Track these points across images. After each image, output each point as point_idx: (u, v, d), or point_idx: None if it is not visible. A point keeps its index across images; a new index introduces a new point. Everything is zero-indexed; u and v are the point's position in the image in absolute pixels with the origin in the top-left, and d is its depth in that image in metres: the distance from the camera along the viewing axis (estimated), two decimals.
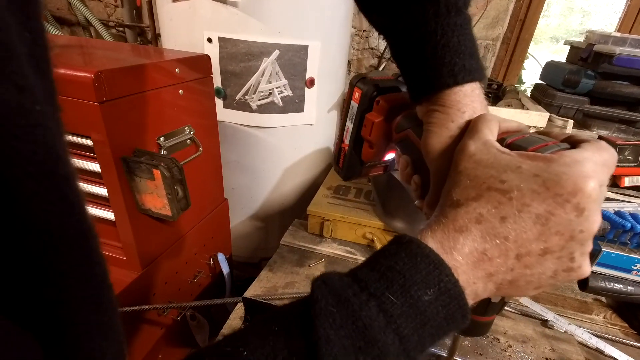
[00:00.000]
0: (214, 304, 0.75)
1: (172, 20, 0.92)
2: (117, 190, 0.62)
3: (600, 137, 0.95)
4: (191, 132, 0.76)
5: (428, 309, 0.21)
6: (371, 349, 0.20)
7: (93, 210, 0.68)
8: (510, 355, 0.58)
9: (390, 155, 0.42)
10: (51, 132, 0.15)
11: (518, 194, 0.23)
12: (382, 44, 1.36)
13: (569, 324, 0.63)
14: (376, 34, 1.35)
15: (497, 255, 0.23)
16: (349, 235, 0.84)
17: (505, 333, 0.63)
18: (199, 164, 0.81)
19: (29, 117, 0.14)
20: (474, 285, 0.23)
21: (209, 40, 0.86)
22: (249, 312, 0.67)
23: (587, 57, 1.01)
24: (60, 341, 0.17)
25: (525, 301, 0.68)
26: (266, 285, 0.70)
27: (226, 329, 0.64)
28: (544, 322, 0.65)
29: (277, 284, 0.70)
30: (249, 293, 0.67)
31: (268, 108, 0.94)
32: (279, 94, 0.92)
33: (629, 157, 0.87)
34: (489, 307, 0.29)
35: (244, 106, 0.93)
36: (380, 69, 1.39)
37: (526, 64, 1.46)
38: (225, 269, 0.98)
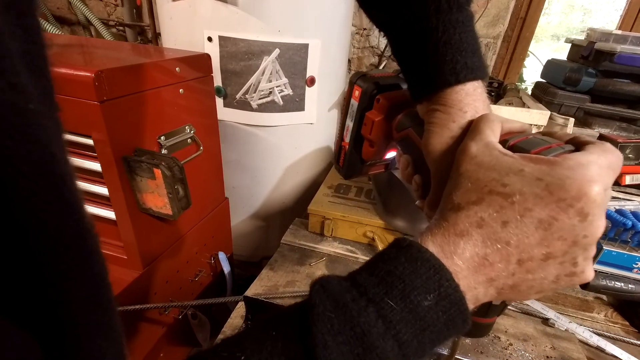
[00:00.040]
0: (215, 303, 0.75)
1: (172, 19, 0.92)
2: (118, 189, 0.62)
3: (601, 135, 0.95)
4: (192, 131, 0.76)
5: (428, 314, 0.21)
6: (370, 355, 0.20)
7: (94, 210, 0.68)
8: (511, 354, 0.58)
9: (391, 154, 0.41)
10: (46, 132, 0.15)
11: (520, 198, 0.22)
12: (383, 42, 1.36)
13: (570, 322, 0.63)
14: (377, 32, 1.35)
15: (499, 260, 0.22)
16: (349, 234, 0.84)
17: (506, 331, 0.63)
18: (200, 163, 0.81)
19: (23, 116, 0.14)
20: (474, 290, 0.23)
21: (209, 39, 0.86)
22: (250, 310, 0.67)
23: (588, 55, 1.00)
24: (60, 341, 0.16)
25: None
26: (267, 284, 0.70)
27: (227, 328, 0.64)
28: (545, 321, 0.65)
29: (278, 283, 0.70)
30: (250, 292, 0.67)
31: (268, 107, 0.94)
32: (279, 92, 0.92)
33: (630, 156, 0.87)
34: (490, 310, 0.29)
35: (245, 105, 0.93)
36: (381, 67, 1.39)
37: (527, 62, 1.46)
38: (226, 267, 0.98)
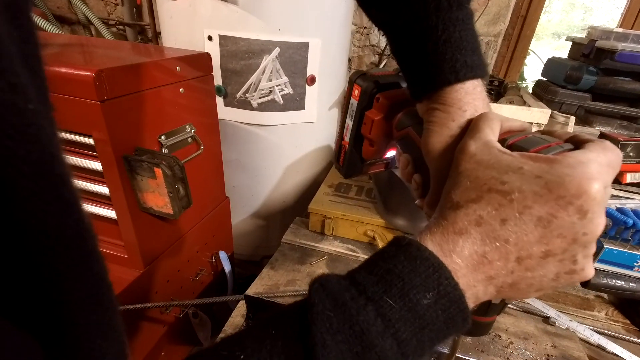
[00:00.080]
0: (216, 302, 0.75)
1: (172, 18, 0.92)
2: (118, 188, 0.62)
3: (602, 134, 0.95)
4: (192, 131, 0.76)
5: (427, 312, 0.21)
6: (369, 354, 0.20)
7: (95, 209, 0.68)
8: (512, 352, 0.58)
9: (391, 153, 0.41)
10: (45, 131, 0.15)
11: (519, 196, 0.22)
12: (383, 40, 1.36)
13: (571, 320, 0.63)
14: (377, 30, 1.35)
15: (497, 258, 0.22)
16: (350, 233, 0.84)
17: (506, 330, 0.63)
18: (200, 162, 0.81)
19: (23, 117, 0.14)
20: (474, 288, 0.23)
21: (210, 38, 0.86)
22: (251, 309, 0.67)
23: (589, 53, 1.00)
24: (60, 341, 0.16)
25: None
26: (268, 283, 0.70)
27: (228, 327, 0.64)
28: (546, 319, 0.65)
29: (279, 282, 0.71)
30: (250, 291, 0.67)
31: (269, 106, 0.94)
32: (279, 91, 0.92)
33: (631, 154, 0.87)
34: (490, 308, 0.29)
35: (245, 104, 0.93)
36: (381, 66, 1.38)
37: (528, 60, 1.46)
38: (227, 266, 0.98)
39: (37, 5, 1.49)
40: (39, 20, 1.33)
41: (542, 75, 1.18)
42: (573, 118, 0.95)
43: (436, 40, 0.27)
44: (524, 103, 1.04)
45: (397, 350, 0.20)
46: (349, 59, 1.40)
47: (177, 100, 0.71)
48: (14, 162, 0.13)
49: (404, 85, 0.37)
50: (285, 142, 1.03)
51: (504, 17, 1.27)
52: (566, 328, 0.64)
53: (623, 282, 0.66)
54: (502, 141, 0.26)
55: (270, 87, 0.91)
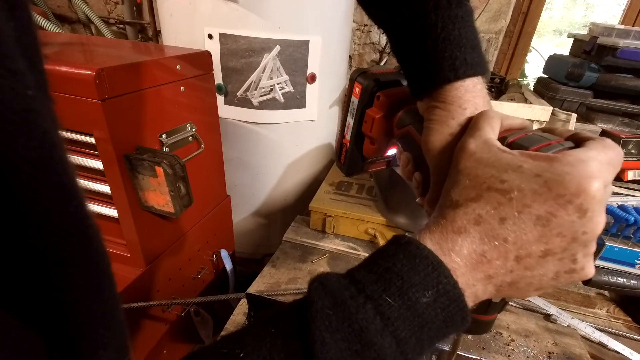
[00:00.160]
0: (218, 300, 0.75)
1: (172, 16, 0.92)
2: (120, 187, 0.62)
3: (603, 131, 0.94)
4: (193, 129, 0.76)
5: (426, 311, 0.21)
6: (368, 352, 0.20)
7: (96, 208, 0.68)
8: (513, 350, 0.59)
9: (392, 151, 0.41)
10: (45, 118, 0.15)
11: (518, 195, 0.22)
12: (384, 38, 1.35)
13: (572, 318, 0.63)
14: (378, 28, 1.34)
15: (496, 257, 0.22)
16: (351, 231, 0.84)
17: (508, 327, 0.63)
18: (201, 161, 0.81)
19: (22, 102, 0.14)
20: (473, 287, 0.23)
21: (210, 36, 0.86)
22: (252, 307, 0.67)
23: (591, 50, 1.00)
24: (62, 331, 0.16)
25: None
26: (269, 281, 0.70)
27: (230, 325, 0.65)
28: (547, 317, 0.65)
29: (280, 280, 0.71)
30: (252, 289, 0.68)
31: (269, 104, 0.94)
32: (280, 90, 0.92)
33: (632, 151, 0.86)
34: (491, 307, 0.29)
35: (245, 102, 0.93)
36: (382, 63, 1.38)
37: (529, 57, 1.45)
38: (228, 265, 0.98)
39: (37, 4, 1.49)
40: (39, 19, 1.33)
41: (544, 72, 1.18)
42: (574, 115, 0.95)
43: (435, 38, 0.27)
44: (525, 100, 1.04)
45: (396, 348, 0.20)
46: (350, 57, 1.40)
47: (178, 99, 0.71)
48: (15, 147, 0.13)
49: (405, 83, 0.37)
50: (286, 141, 1.02)
51: (505, 14, 1.26)
52: (567, 325, 0.64)
53: (624, 280, 0.66)
54: (502, 139, 0.26)
55: (270, 86, 0.91)
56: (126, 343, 0.21)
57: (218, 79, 0.89)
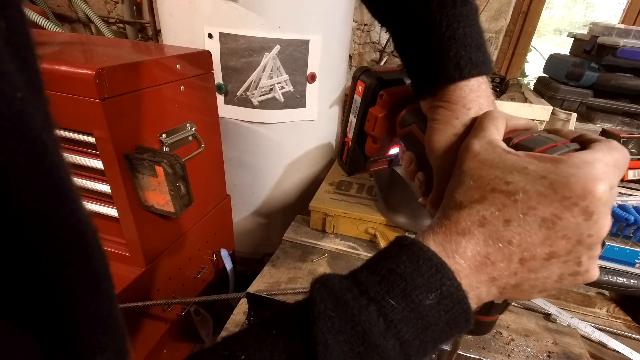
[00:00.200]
0: (218, 300, 0.75)
1: (172, 16, 0.91)
2: (120, 187, 0.62)
3: (603, 131, 0.94)
4: (193, 129, 0.76)
5: (430, 313, 0.21)
6: (371, 354, 0.19)
7: (96, 207, 0.68)
8: (513, 349, 0.59)
9: (394, 150, 0.41)
10: (36, 120, 0.15)
11: (523, 196, 0.22)
12: (384, 38, 1.35)
13: (572, 317, 0.64)
14: (378, 27, 1.34)
15: (500, 260, 0.22)
16: (351, 231, 0.84)
17: (508, 327, 0.63)
18: (201, 161, 0.81)
19: (12, 105, 0.13)
20: (477, 289, 0.22)
21: (210, 35, 0.86)
22: (252, 307, 0.67)
23: (591, 49, 1.00)
24: (59, 334, 0.16)
25: None
26: (269, 281, 0.70)
27: (230, 324, 0.64)
28: (547, 316, 0.65)
29: (280, 280, 0.71)
30: (252, 288, 0.68)
31: (269, 104, 0.94)
32: (280, 89, 0.92)
33: (632, 151, 0.86)
34: (492, 308, 0.28)
35: (245, 102, 0.93)
36: (382, 63, 1.38)
37: (529, 56, 1.45)
38: (228, 264, 0.98)
39: (37, 3, 1.48)
40: (39, 19, 1.33)
41: (544, 71, 1.18)
42: (574, 115, 0.95)
43: (440, 37, 0.27)
44: (526, 100, 1.04)
45: (399, 350, 0.20)
46: (350, 57, 1.40)
47: (178, 99, 0.71)
48: (6, 151, 0.13)
49: (408, 81, 0.37)
50: (286, 140, 1.02)
51: (506, 13, 1.26)
52: (567, 325, 0.64)
53: (624, 279, 0.66)
54: (507, 140, 0.26)
55: (270, 85, 0.91)
56: (125, 345, 0.20)
57: (218, 78, 0.89)
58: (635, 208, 0.64)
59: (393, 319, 0.20)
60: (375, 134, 0.37)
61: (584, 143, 0.24)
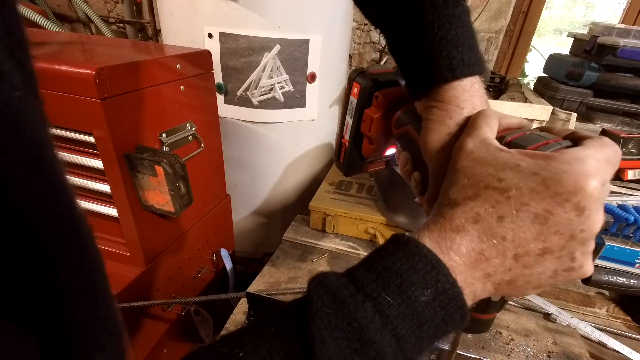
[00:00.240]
0: (218, 299, 0.75)
1: (172, 15, 0.92)
2: (120, 186, 0.62)
3: (603, 130, 0.94)
4: (193, 129, 0.76)
5: (425, 309, 0.21)
6: (367, 350, 0.20)
7: (96, 207, 0.68)
8: (513, 349, 0.59)
9: (391, 151, 0.41)
10: (33, 120, 0.15)
11: (516, 193, 0.22)
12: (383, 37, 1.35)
13: (572, 317, 0.64)
14: (375, 28, 1.34)
15: (495, 256, 0.22)
16: (351, 231, 0.84)
17: (507, 327, 0.63)
18: (201, 160, 0.81)
19: (11, 104, 0.14)
20: (472, 285, 0.23)
21: (210, 35, 0.86)
22: (252, 307, 0.67)
23: (591, 49, 1.00)
24: (57, 334, 0.16)
25: None
26: (269, 281, 0.70)
27: (230, 324, 0.65)
28: (547, 316, 0.65)
29: (280, 279, 0.71)
30: (252, 288, 0.68)
31: (269, 103, 0.94)
32: (280, 89, 0.92)
33: (632, 150, 0.86)
34: (489, 305, 0.29)
35: (245, 102, 0.93)
36: (382, 63, 1.38)
37: (529, 56, 1.45)
38: (228, 264, 0.98)
39: (37, 3, 1.48)
40: (39, 19, 1.33)
41: (544, 71, 1.18)
42: (574, 115, 0.95)
43: (432, 38, 0.27)
44: (526, 100, 1.04)
45: (395, 346, 0.20)
46: (350, 56, 1.40)
47: (178, 98, 0.71)
48: (5, 150, 0.13)
49: (403, 82, 0.37)
50: (286, 140, 1.02)
51: (506, 13, 1.26)
52: (567, 325, 0.64)
53: (624, 279, 0.66)
54: (500, 138, 0.26)
55: (270, 85, 0.91)
56: (122, 345, 0.21)
57: (218, 78, 0.89)
58: (635, 208, 0.64)
59: (389, 315, 0.20)
60: (372, 135, 0.37)
61: (576, 140, 0.24)
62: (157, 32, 1.50)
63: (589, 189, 0.21)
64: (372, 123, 0.37)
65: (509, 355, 0.57)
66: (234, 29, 0.84)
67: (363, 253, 0.80)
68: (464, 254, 0.22)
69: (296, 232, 0.85)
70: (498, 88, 1.16)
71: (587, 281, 0.67)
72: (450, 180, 0.25)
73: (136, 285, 0.70)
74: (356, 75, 0.38)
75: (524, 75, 1.53)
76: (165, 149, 0.69)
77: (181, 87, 0.71)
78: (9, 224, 0.14)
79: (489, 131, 0.26)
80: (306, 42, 0.89)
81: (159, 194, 0.64)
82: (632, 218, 0.61)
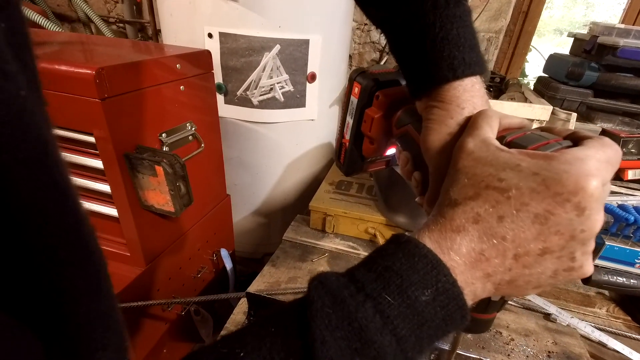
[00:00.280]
0: (218, 299, 0.75)
1: (172, 15, 0.92)
2: (120, 186, 0.62)
3: (603, 130, 0.94)
4: (193, 128, 0.76)
5: (426, 309, 0.21)
6: (368, 350, 0.20)
7: (96, 207, 0.68)
8: (513, 349, 0.59)
9: (391, 150, 0.41)
10: (37, 119, 0.15)
11: (516, 193, 0.22)
12: (384, 37, 1.35)
13: (572, 317, 0.64)
14: (376, 28, 1.34)
15: (495, 256, 0.22)
16: (351, 231, 0.84)
17: (507, 327, 0.63)
18: (201, 160, 0.81)
19: (15, 103, 0.14)
20: (472, 285, 0.23)
21: (210, 35, 0.86)
22: (252, 307, 0.67)
23: (591, 49, 1.00)
24: (61, 333, 0.16)
25: None
26: (269, 281, 0.70)
27: (230, 324, 0.65)
28: (547, 316, 0.65)
29: (280, 279, 0.71)
30: (252, 288, 0.68)
31: (269, 103, 0.94)
32: (280, 89, 0.92)
33: (632, 150, 0.86)
34: (490, 305, 0.29)
35: (245, 102, 0.93)
36: (382, 63, 1.38)
37: (529, 56, 1.45)
38: (228, 264, 0.98)
39: (37, 3, 1.48)
40: (39, 18, 1.33)
41: (544, 71, 1.18)
42: (574, 115, 0.95)
43: (434, 38, 0.27)
44: (526, 99, 1.04)
45: (396, 346, 0.20)
46: (350, 56, 1.40)
47: (178, 98, 0.71)
48: (9, 148, 0.13)
49: (404, 82, 0.37)
50: (286, 140, 1.02)
51: (506, 13, 1.26)
52: (567, 325, 0.64)
53: (624, 279, 0.66)
54: (500, 138, 0.26)
55: (270, 85, 0.91)
56: (124, 343, 0.21)
57: (218, 78, 0.89)
58: (635, 208, 0.64)
59: (389, 315, 0.20)
60: (372, 135, 0.37)
61: (576, 140, 0.24)
62: (157, 32, 1.50)
63: (589, 189, 0.21)
64: (372, 123, 0.37)
65: (509, 355, 0.57)
66: (234, 29, 0.84)
67: (363, 253, 0.80)
68: (464, 254, 0.23)
69: (296, 232, 0.85)
70: (498, 88, 1.16)
71: (587, 281, 0.67)
72: (450, 180, 0.25)
73: (136, 285, 0.70)
74: (357, 75, 0.38)
75: (524, 75, 1.54)
76: (165, 149, 0.69)
77: (181, 87, 0.71)
78: (13, 222, 0.14)
79: (490, 131, 0.26)
80: (306, 42, 0.89)
81: (159, 194, 0.64)
82: (632, 218, 0.61)
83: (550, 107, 0.90)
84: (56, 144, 0.16)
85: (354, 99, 0.38)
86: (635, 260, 0.65)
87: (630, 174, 0.86)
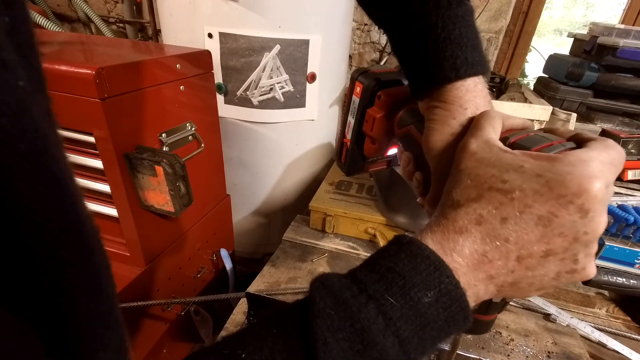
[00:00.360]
0: (218, 299, 0.75)
1: (172, 15, 0.92)
2: (120, 186, 0.62)
3: (603, 131, 0.94)
4: (193, 128, 0.76)
5: (428, 310, 0.21)
6: (370, 351, 0.20)
7: (96, 207, 0.68)
8: (513, 349, 0.59)
9: (393, 150, 0.41)
10: (38, 112, 0.14)
11: (520, 194, 0.22)
12: (384, 38, 1.35)
13: (572, 317, 0.64)
14: (378, 28, 1.34)
15: (498, 257, 0.22)
16: (351, 231, 0.84)
17: (507, 327, 0.63)
18: (201, 160, 0.81)
19: (15, 93, 0.13)
20: (475, 287, 0.23)
21: (210, 35, 0.86)
22: (252, 307, 0.67)
23: (591, 49, 1.00)
24: (61, 332, 0.16)
25: None
26: (269, 281, 0.70)
27: (230, 324, 0.65)
28: (547, 316, 0.66)
29: (280, 279, 0.71)
30: (252, 288, 0.68)
31: (269, 104, 0.94)
32: (280, 89, 0.92)
33: (632, 151, 0.86)
34: (491, 307, 0.29)
35: (245, 102, 0.93)
36: (382, 63, 1.38)
37: (529, 57, 1.45)
38: (228, 264, 0.98)
39: (37, 2, 1.48)
40: (39, 18, 1.33)
41: (544, 71, 1.18)
42: (574, 115, 0.95)
43: (436, 38, 0.27)
44: (525, 100, 1.04)
45: (398, 348, 0.20)
46: (350, 56, 1.40)
47: (178, 98, 0.71)
48: (10, 140, 0.13)
49: (406, 82, 0.37)
50: (286, 140, 1.02)
51: (505, 13, 1.26)
52: (567, 325, 0.64)
53: (624, 279, 0.66)
54: (503, 139, 0.26)
55: (270, 85, 0.91)
56: (125, 343, 0.20)
57: (218, 78, 0.89)
58: (635, 208, 0.64)
59: (392, 316, 0.20)
60: (374, 135, 0.37)
61: (579, 142, 0.24)
62: (157, 32, 1.50)
63: (592, 191, 0.21)
64: (374, 123, 0.37)
65: (508, 355, 0.57)
66: (234, 29, 0.84)
67: (363, 253, 0.80)
68: (467, 256, 0.22)
69: (296, 232, 0.85)
70: (498, 88, 1.16)
71: (587, 282, 0.67)
72: (453, 181, 0.25)
73: (136, 285, 0.70)
74: (359, 74, 0.38)
75: (524, 75, 1.54)
76: (165, 149, 0.69)
77: (181, 87, 0.71)
78: (14, 218, 0.14)
79: (493, 132, 0.26)
80: (306, 42, 0.89)
81: (159, 194, 0.64)
82: (632, 218, 0.61)
83: (550, 108, 0.90)
84: (60, 141, 0.16)
85: (355, 99, 0.38)
86: (635, 261, 0.65)
87: (630, 175, 0.86)
